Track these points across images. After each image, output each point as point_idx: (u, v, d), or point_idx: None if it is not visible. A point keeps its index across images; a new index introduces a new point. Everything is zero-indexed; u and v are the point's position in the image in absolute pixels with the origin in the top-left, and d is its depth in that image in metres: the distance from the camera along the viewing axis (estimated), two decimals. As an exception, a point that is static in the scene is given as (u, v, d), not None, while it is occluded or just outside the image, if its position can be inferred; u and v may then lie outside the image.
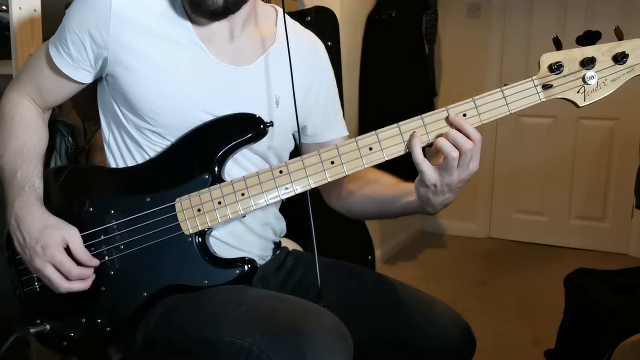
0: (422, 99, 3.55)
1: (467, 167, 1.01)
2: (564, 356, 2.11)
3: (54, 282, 1.05)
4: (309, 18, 2.34)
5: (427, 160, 1.02)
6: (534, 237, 3.92)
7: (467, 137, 1.00)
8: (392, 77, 3.23)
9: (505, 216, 4.01)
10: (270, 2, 1.34)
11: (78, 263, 1.06)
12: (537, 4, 3.78)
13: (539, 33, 3.75)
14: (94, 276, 1.08)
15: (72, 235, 1.06)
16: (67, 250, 1.06)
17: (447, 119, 1.02)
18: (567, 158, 3.81)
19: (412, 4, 3.48)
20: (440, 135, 1.01)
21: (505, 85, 1.04)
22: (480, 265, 3.59)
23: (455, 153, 0.99)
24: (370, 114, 3.17)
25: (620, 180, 3.67)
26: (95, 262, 1.08)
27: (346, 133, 1.29)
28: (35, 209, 1.07)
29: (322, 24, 2.40)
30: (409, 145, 1.03)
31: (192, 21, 1.09)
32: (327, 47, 1.30)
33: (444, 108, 1.03)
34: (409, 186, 1.11)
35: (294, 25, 1.22)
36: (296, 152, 1.24)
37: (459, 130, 1.00)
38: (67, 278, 1.06)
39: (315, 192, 1.10)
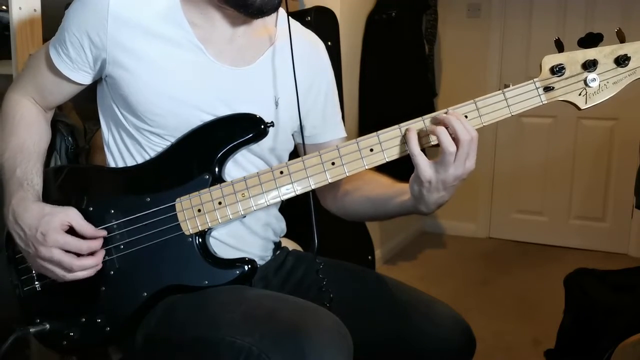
0: (422, 99, 3.55)
1: (464, 164, 1.00)
2: (564, 356, 2.11)
3: (64, 263, 1.03)
4: (309, 18, 2.34)
5: (423, 154, 1.01)
6: (534, 237, 3.92)
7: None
8: (392, 77, 3.23)
9: (505, 216, 4.01)
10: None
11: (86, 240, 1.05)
12: (537, 4, 3.78)
13: (539, 33, 3.75)
14: (103, 252, 1.08)
15: (71, 215, 1.06)
16: (70, 232, 1.05)
17: (446, 115, 1.01)
18: (567, 158, 3.82)
19: (412, 4, 3.48)
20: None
21: (506, 85, 1.03)
22: (480, 265, 3.59)
23: (452, 148, 0.98)
24: (370, 113, 3.17)
25: (620, 180, 3.67)
26: (103, 232, 1.07)
27: (344, 135, 1.29)
28: (32, 204, 1.07)
29: (322, 24, 2.40)
30: (405, 138, 1.02)
31: (191, 22, 1.09)
32: (327, 47, 1.30)
33: (445, 110, 1.03)
34: (404, 186, 1.10)
35: (294, 24, 1.22)
36: (295, 153, 1.24)
37: (460, 125, 0.99)
38: (78, 256, 1.05)
39: (315, 195, 1.10)
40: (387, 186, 1.17)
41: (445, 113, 1.01)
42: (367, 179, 1.20)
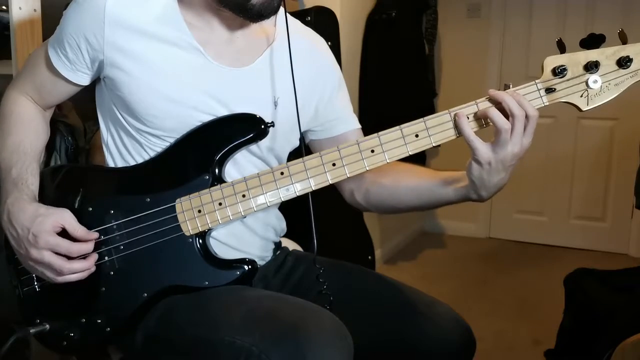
0: (422, 99, 3.55)
1: (521, 141, 0.99)
2: (564, 356, 2.11)
3: (54, 265, 1.04)
4: (309, 18, 2.34)
5: (478, 137, 1.00)
6: (534, 237, 3.92)
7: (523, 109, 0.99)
8: (392, 77, 3.23)
9: (505, 216, 4.01)
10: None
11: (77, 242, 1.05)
12: (537, 4, 3.78)
13: (539, 33, 3.75)
14: (95, 256, 1.08)
15: (64, 217, 1.05)
16: (63, 234, 1.05)
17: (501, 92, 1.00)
18: (567, 158, 3.81)
19: (412, 4, 3.48)
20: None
21: (506, 85, 1.03)
22: (480, 265, 3.59)
23: (507, 125, 0.98)
24: (371, 113, 3.16)
25: (620, 180, 3.67)
26: (94, 234, 1.07)
27: (358, 126, 1.27)
28: (27, 204, 1.06)
29: (322, 24, 2.40)
30: (456, 126, 1.02)
31: (189, 24, 1.09)
32: (327, 47, 1.30)
33: (446, 111, 1.03)
34: (454, 173, 1.09)
35: (294, 24, 1.21)
36: (297, 154, 1.24)
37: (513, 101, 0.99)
38: (68, 259, 1.04)
39: (315, 193, 1.10)
40: (432, 175, 1.15)
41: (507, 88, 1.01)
42: (403, 169, 1.17)
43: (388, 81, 3.19)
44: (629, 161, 3.47)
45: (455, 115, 1.02)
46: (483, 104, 1.02)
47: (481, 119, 1.03)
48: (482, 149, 1.00)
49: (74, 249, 1.05)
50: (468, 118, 1.02)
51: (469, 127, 1.01)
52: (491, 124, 1.01)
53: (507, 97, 0.99)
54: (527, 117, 0.99)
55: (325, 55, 1.26)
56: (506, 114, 0.99)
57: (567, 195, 3.85)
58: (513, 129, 0.98)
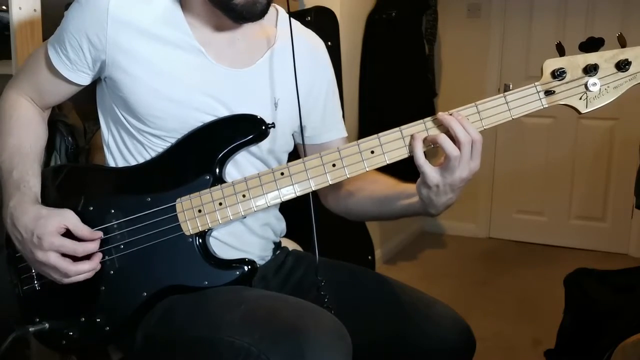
0: (422, 99, 3.54)
1: (468, 165, 1.00)
2: (564, 356, 2.11)
3: (60, 268, 1.04)
4: (309, 18, 2.34)
5: (428, 162, 1.02)
6: (534, 237, 3.92)
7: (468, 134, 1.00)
8: (392, 77, 3.23)
9: (505, 216, 4.00)
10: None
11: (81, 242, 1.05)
12: (537, 4, 3.78)
13: (539, 33, 3.75)
14: (100, 255, 1.08)
15: (67, 217, 1.05)
16: (67, 235, 1.05)
17: (448, 116, 1.01)
18: (567, 158, 3.81)
19: (412, 4, 3.48)
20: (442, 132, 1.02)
21: (506, 85, 1.04)
22: (480, 265, 3.59)
23: (456, 152, 0.99)
24: (370, 114, 3.17)
25: (620, 180, 3.67)
26: (99, 234, 1.07)
27: (345, 134, 1.29)
28: (30, 206, 1.06)
29: (322, 24, 2.40)
30: (409, 147, 1.03)
31: (191, 25, 1.09)
32: (327, 47, 1.30)
33: (446, 112, 1.03)
34: (410, 187, 1.10)
35: (294, 24, 1.21)
36: (296, 154, 1.24)
37: (460, 127, 1.00)
38: (73, 260, 1.04)
39: (315, 193, 1.10)
40: (391, 187, 1.17)
41: (450, 115, 1.02)
42: (370, 179, 1.19)
43: (388, 81, 3.19)
44: (629, 161, 3.47)
45: (410, 138, 1.03)
46: (433, 129, 1.03)
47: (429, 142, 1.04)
48: (431, 173, 1.01)
49: (80, 249, 1.05)
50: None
51: (422, 152, 1.02)
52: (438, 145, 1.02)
53: (453, 124, 1.00)
54: (472, 141, 1.00)
55: (323, 57, 1.27)
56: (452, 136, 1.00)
57: (567, 195, 3.85)
58: (461, 156, 0.99)
